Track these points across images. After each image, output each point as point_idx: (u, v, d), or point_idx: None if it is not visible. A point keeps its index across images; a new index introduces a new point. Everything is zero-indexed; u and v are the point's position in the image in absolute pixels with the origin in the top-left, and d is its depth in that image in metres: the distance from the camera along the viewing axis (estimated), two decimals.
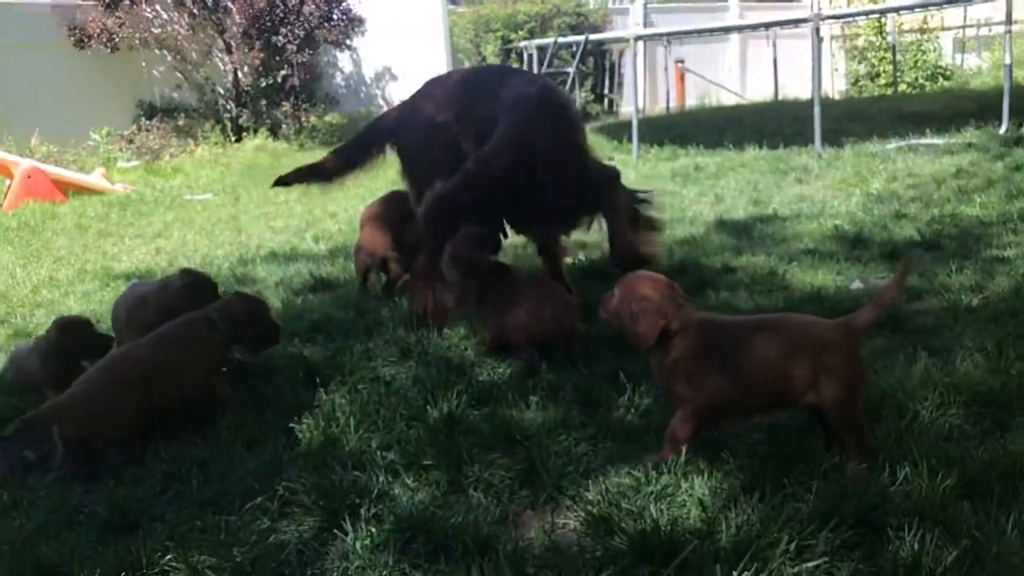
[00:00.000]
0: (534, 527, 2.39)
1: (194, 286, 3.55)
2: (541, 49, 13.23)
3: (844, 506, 2.24)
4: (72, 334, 3.47)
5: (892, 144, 9.51)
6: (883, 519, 2.22)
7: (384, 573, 2.18)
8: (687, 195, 7.68)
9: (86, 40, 14.98)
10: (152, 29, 15.29)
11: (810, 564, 2.06)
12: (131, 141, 15.03)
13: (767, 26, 13.24)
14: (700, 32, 14.49)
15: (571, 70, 12.46)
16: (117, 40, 14.98)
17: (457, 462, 2.69)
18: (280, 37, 15.52)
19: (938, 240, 5.03)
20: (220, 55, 16.04)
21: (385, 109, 17.51)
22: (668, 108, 16.67)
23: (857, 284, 4.36)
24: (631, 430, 2.87)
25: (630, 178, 9.05)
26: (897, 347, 3.37)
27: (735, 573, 2.03)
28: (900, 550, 2.09)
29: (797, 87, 18.55)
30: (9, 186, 10.74)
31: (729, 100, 18.65)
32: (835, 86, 18.88)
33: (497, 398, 3.16)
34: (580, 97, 15.40)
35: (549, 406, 3.06)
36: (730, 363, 2.56)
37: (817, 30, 9.91)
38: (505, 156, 3.69)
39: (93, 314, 4.83)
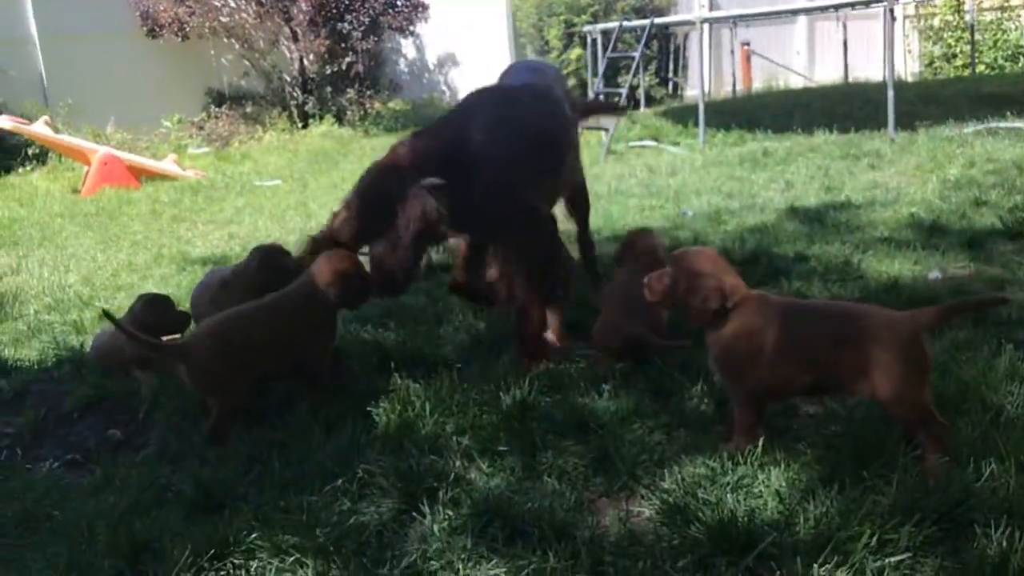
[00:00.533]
0: (609, 515, 2.40)
1: (270, 258, 3.62)
2: (605, 33, 13.11)
3: (927, 501, 2.20)
4: (154, 311, 3.58)
5: (970, 128, 9.21)
6: (968, 515, 2.17)
7: (463, 556, 2.21)
8: (756, 181, 7.57)
9: (158, 29, 15.37)
10: (220, 18, 15.62)
11: (893, 559, 2.03)
12: (201, 128, 15.40)
13: (837, 7, 12.88)
14: (768, 15, 14.18)
15: (636, 55, 12.31)
16: (187, 29, 15.34)
17: (531, 448, 2.72)
18: (345, 24, 15.69)
19: (1021, 228, 4.86)
20: (287, 43, 16.29)
21: (448, 95, 17.66)
22: (734, 91, 16.41)
23: (935, 274, 4.26)
24: (705, 419, 2.87)
25: (697, 163, 8.98)
26: (980, 339, 3.27)
27: (815, 566, 2.01)
28: (987, 548, 2.05)
29: (868, 69, 18.09)
30: (87, 172, 11.10)
31: (797, 83, 18.25)
32: (908, 68, 18.35)
33: (569, 386, 3.17)
34: (644, 81, 15.24)
35: (621, 395, 3.06)
36: (781, 343, 2.56)
37: (891, 11, 9.62)
38: None
39: (173, 296, 4.99)
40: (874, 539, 2.08)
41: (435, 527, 2.34)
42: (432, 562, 2.22)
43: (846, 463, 2.44)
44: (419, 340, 3.76)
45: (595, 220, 6.29)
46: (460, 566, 2.18)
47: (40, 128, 11.54)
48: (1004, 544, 2.03)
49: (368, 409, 3.02)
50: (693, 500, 2.33)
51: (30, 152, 12.95)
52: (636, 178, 8.43)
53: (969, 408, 2.73)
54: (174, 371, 3.21)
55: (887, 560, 2.03)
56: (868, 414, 2.75)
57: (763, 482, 2.41)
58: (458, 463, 2.67)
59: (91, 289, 5.49)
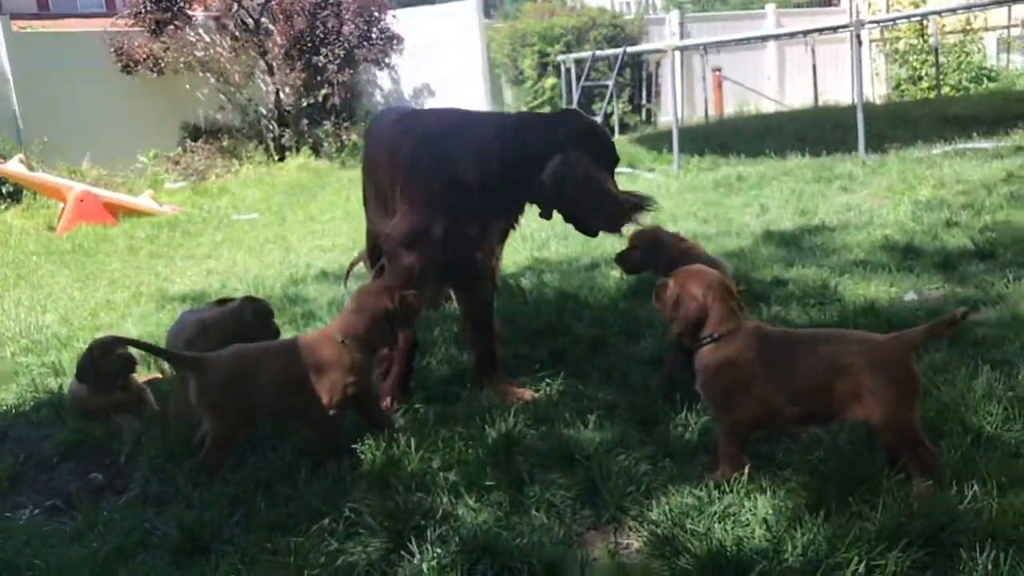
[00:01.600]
0: (598, 548, 2.40)
1: (261, 313, 3.57)
2: (578, 62, 13.27)
3: (912, 525, 2.22)
4: (106, 358, 3.55)
5: (938, 149, 9.38)
6: (954, 538, 2.20)
7: None
8: (732, 205, 7.66)
9: (133, 65, 15.36)
10: (196, 52, 15.64)
11: None
12: (177, 163, 15.36)
13: (805, 33, 13.12)
14: (737, 42, 14.41)
15: (609, 83, 12.46)
16: (163, 64, 15.34)
17: (518, 482, 2.72)
18: (321, 57, 15.77)
19: (992, 249, 4.95)
20: (262, 76, 16.34)
21: None
22: (707, 117, 16.61)
23: (911, 295, 4.32)
24: (691, 448, 2.88)
25: (672, 189, 9.07)
26: (957, 360, 3.32)
27: None
28: (973, 571, 2.07)
29: (837, 92, 18.38)
30: (63, 209, 11.03)
31: (768, 107, 18.52)
32: (876, 90, 18.65)
33: (554, 417, 3.18)
34: (617, 109, 15.40)
35: (606, 425, 3.07)
36: (770, 373, 2.58)
37: (858, 36, 9.81)
38: None
39: (151, 336, 4.95)
40: (862, 565, 2.10)
41: (424, 566, 2.33)
42: None
43: (832, 489, 2.46)
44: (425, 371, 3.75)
45: (574, 247, 6.37)
46: None
47: (14, 166, 11.47)
48: (990, 567, 2.06)
49: (352, 446, 3.01)
50: (681, 531, 2.34)
51: (4, 190, 12.86)
52: None
53: (950, 430, 2.77)
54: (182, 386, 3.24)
55: None
56: (852, 439, 2.78)
57: (750, 510, 2.42)
58: (445, 499, 2.66)
59: (69, 329, 5.44)
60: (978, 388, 3.01)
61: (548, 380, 3.59)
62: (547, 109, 16.76)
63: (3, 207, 12.68)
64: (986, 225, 5.54)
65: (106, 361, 3.54)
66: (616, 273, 5.28)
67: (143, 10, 15.26)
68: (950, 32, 17.36)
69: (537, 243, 6.63)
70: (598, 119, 12.28)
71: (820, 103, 16.96)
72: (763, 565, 2.14)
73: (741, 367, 2.61)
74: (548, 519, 2.53)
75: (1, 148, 13.16)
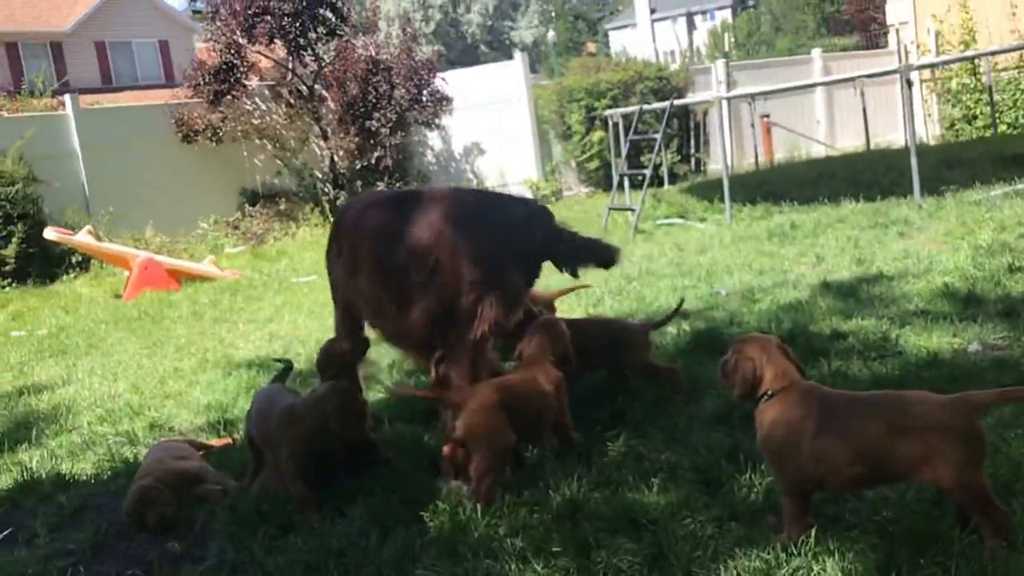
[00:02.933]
0: None
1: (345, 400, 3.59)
2: (625, 116, 13.43)
3: None
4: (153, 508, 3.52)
5: (997, 190, 9.24)
6: None
7: None
8: (786, 255, 7.63)
9: (192, 135, 15.99)
10: (252, 120, 16.22)
11: None
12: (236, 227, 15.84)
13: (854, 79, 13.10)
14: (784, 91, 14.45)
15: (657, 136, 12.57)
16: (221, 133, 15.94)
17: (584, 547, 2.74)
18: (373, 122, 16.20)
19: None
20: (317, 141, 16.83)
21: (475, 183, 18.07)
22: (757, 163, 16.60)
23: (975, 346, 4.26)
24: (756, 510, 2.87)
25: (726, 239, 9.06)
26: None
27: None
28: None
29: (889, 134, 18.26)
30: (128, 277, 11.43)
31: (819, 151, 18.44)
32: (929, 131, 18.47)
33: (617, 480, 3.20)
34: (666, 159, 15.48)
35: (670, 487, 3.08)
36: (826, 432, 2.60)
37: (907, 80, 9.78)
38: None
39: (218, 403, 5.11)
40: None
41: None
42: None
43: (902, 550, 2.44)
44: None
45: (627, 303, 6.41)
46: None
47: (84, 237, 11.94)
48: None
49: (421, 513, 3.07)
50: None
51: (73, 260, 13.40)
52: (666, 257, 8.52)
53: (1022, 488, 2.72)
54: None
55: None
56: (921, 497, 2.75)
57: (818, 573, 2.41)
58: (513, 566, 2.69)
59: (140, 397, 5.62)
60: None
61: (609, 441, 3.61)
62: (596, 163, 16.98)
63: (73, 276, 13.21)
64: None
65: (153, 511, 3.47)
66: (673, 329, 5.31)
67: (201, 82, 15.91)
68: (1003, 68, 17.13)
69: (592, 299, 6.68)
70: (647, 171, 12.32)
71: (872, 146, 16.85)
72: None
73: (792, 425, 2.64)
74: None
75: (71, 220, 13.72)
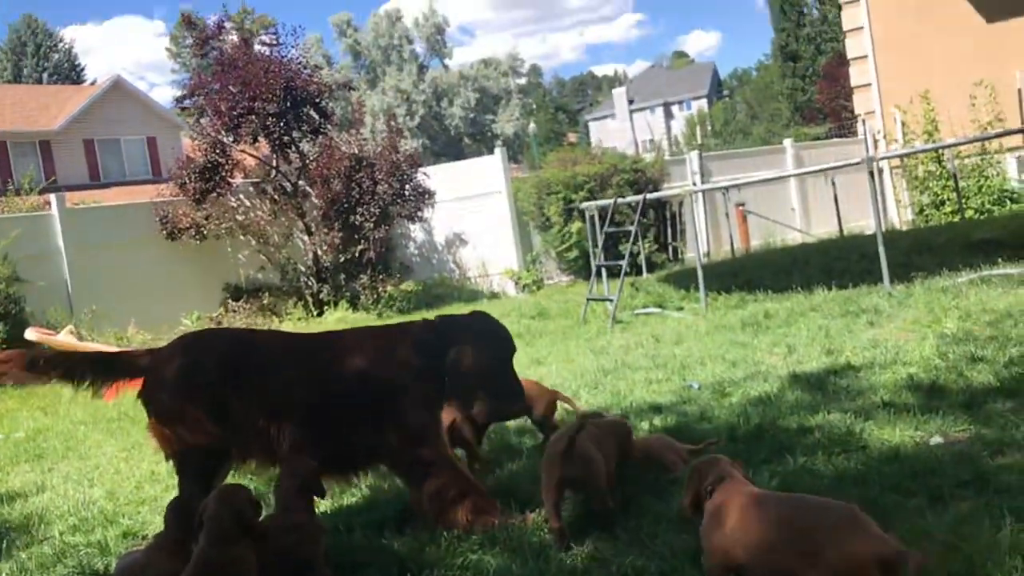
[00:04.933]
0: None
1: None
2: (601, 209, 13.75)
3: None
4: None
5: (964, 277, 9.45)
6: None
7: None
8: (759, 346, 7.74)
9: (177, 233, 16.20)
10: (237, 216, 16.47)
11: None
12: (219, 322, 15.88)
13: (822, 171, 13.52)
14: (755, 183, 14.87)
15: (632, 228, 12.86)
16: (205, 231, 16.15)
17: None
18: (357, 216, 16.47)
19: (1018, 386, 4.97)
20: (301, 236, 17.07)
21: (456, 273, 18.30)
22: (733, 251, 16.92)
23: (937, 439, 4.34)
24: None
25: (701, 329, 9.20)
26: (982, 510, 3.33)
27: None
28: None
29: (862, 219, 18.68)
30: None
31: (795, 237, 18.81)
32: (902, 216, 18.92)
33: None
34: (643, 248, 15.77)
35: None
36: (730, 527, 2.88)
37: (870, 173, 10.11)
38: None
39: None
40: None
41: None
42: None
43: None
44: (436, 545, 3.81)
45: (603, 397, 6.48)
46: None
47: (65, 337, 11.94)
48: None
49: None
50: None
51: None
52: (642, 348, 8.63)
53: None
54: None
55: None
56: None
57: None
58: None
59: (115, 504, 5.58)
60: (1004, 542, 3.02)
61: (573, 544, 3.64)
62: (575, 252, 17.23)
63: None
64: (1011, 359, 5.57)
65: None
66: (646, 424, 5.39)
67: (188, 180, 16.20)
68: (967, 156, 17.69)
69: (569, 392, 6.74)
70: (623, 262, 12.52)
71: (846, 231, 17.23)
72: None
73: (714, 517, 2.95)
74: None
75: (53, 318, 13.76)
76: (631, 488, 4.18)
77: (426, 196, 17.32)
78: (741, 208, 18.33)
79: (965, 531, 3.17)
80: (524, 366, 8.61)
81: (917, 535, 3.16)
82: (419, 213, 17.40)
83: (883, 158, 13.35)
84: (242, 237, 16.73)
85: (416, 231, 18.83)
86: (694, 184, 18.29)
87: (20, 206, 20.11)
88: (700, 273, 11.27)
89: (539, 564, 3.46)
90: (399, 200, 16.95)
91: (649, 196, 13.64)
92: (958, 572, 2.86)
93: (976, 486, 3.58)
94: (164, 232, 16.16)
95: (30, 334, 11.94)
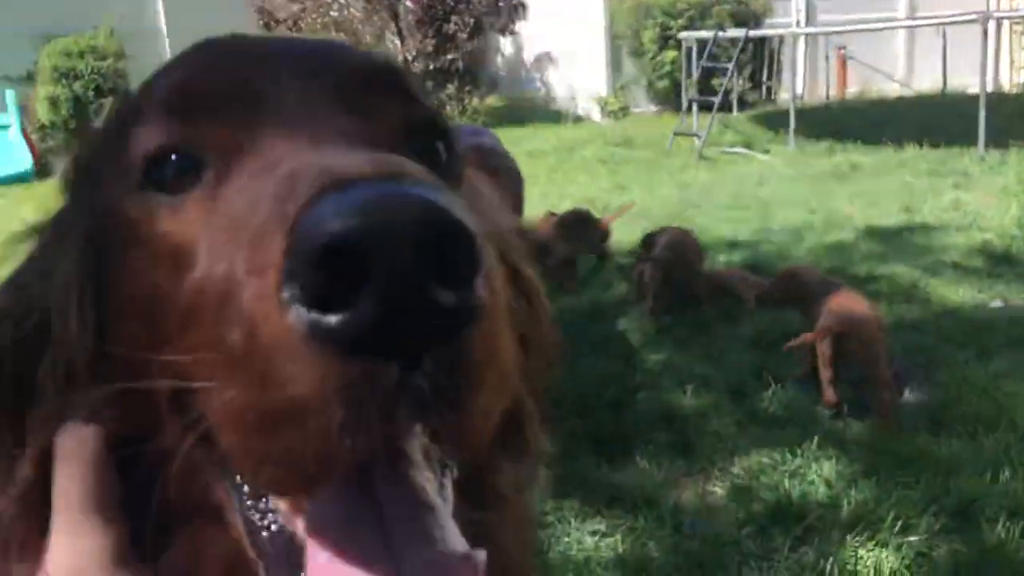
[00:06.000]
0: (689, 490, 3.01)
1: None
2: (700, 42, 13.50)
3: (947, 499, 2.74)
4: None
5: None
6: (981, 511, 2.70)
7: (572, 514, 2.86)
8: (841, 195, 7.90)
9: (274, 24, 16.41)
10: (331, 12, 16.58)
11: (912, 539, 2.59)
12: None
13: (932, 22, 12.97)
14: (862, 29, 14.32)
15: (729, 65, 12.68)
16: (301, 24, 16.34)
17: (627, 436, 3.34)
18: (451, 25, 16.41)
19: None
20: (392, 39, 17.12)
21: (542, 92, 18.30)
22: (827, 97, 16.50)
23: (997, 303, 4.65)
24: (773, 419, 3.43)
25: (785, 175, 9.35)
26: (1019, 368, 3.73)
27: (849, 537, 2.59)
28: (993, 537, 2.58)
29: (968, 77, 17.87)
30: None
31: (893, 90, 18.18)
32: (1013, 78, 18.05)
33: (657, 386, 3.78)
34: (737, 85, 15.52)
35: (702, 394, 3.65)
36: None
37: (984, 31, 9.78)
38: None
39: None
40: (899, 523, 2.63)
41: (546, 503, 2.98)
42: (548, 516, 2.87)
43: (886, 461, 2.99)
44: None
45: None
46: (572, 519, 2.81)
47: None
48: (1004, 535, 2.57)
49: None
50: (757, 483, 2.93)
51: None
52: (726, 187, 8.86)
53: (1002, 426, 3.23)
54: None
55: (907, 539, 2.59)
56: (911, 423, 3.28)
57: (816, 471, 2.98)
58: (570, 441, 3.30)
59: None
60: None
61: (653, 353, 4.18)
62: (666, 82, 17.04)
63: None
64: None
65: None
66: (724, 258, 5.80)
67: None
68: None
69: (649, 221, 7.12)
70: (717, 98, 12.45)
71: (949, 89, 16.57)
72: (819, 513, 2.71)
73: None
74: (650, 466, 3.15)
75: None
76: (707, 312, 4.66)
77: (519, 9, 17.06)
78: (842, 51, 17.65)
79: (1002, 383, 3.59)
80: (607, 191, 8.99)
81: (958, 381, 3.60)
82: (511, 26, 17.20)
83: (999, 17, 12.70)
84: (335, 34, 16.84)
85: (507, 45, 18.65)
86: (797, 23, 17.62)
87: None
88: (792, 116, 11.24)
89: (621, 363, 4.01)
90: (493, 12, 16.75)
91: (751, 33, 13.33)
92: (989, 415, 3.30)
93: (1016, 344, 3.95)
94: (261, 23, 16.36)
95: None
